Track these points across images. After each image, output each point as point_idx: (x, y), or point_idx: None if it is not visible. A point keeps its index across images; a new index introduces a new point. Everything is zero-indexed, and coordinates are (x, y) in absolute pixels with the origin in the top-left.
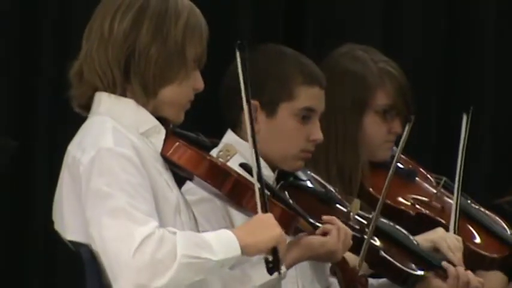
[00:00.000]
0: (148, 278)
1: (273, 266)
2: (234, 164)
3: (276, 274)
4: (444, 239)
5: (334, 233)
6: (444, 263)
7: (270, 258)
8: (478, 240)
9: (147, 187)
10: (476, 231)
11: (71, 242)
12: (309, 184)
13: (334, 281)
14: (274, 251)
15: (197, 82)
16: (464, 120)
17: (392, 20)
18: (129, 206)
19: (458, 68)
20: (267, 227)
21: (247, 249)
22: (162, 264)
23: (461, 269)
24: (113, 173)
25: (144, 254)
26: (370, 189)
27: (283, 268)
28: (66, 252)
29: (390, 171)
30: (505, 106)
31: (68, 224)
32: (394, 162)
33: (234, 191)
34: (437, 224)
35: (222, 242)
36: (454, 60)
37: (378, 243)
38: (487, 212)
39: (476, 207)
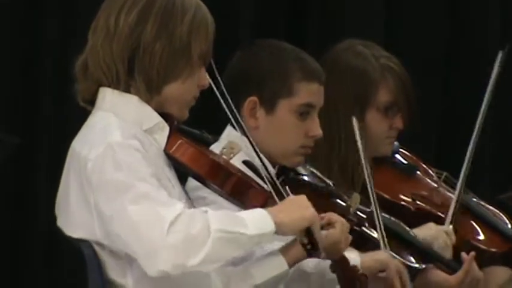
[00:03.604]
0: (185, 256)
1: (311, 248)
2: (237, 161)
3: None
4: (436, 239)
5: (338, 225)
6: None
7: (306, 240)
8: (479, 234)
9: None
10: (477, 226)
11: (73, 238)
12: (309, 179)
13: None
14: (308, 232)
15: (202, 79)
16: (499, 57)
17: (395, 17)
18: (152, 191)
19: (461, 65)
20: (300, 207)
21: (281, 227)
22: (197, 240)
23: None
24: (128, 165)
25: (178, 232)
26: None
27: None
28: (68, 249)
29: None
30: (508, 103)
31: (74, 220)
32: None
33: (236, 189)
34: (437, 219)
35: (255, 218)
36: (457, 57)
37: (375, 235)
38: (488, 206)
39: (478, 201)
